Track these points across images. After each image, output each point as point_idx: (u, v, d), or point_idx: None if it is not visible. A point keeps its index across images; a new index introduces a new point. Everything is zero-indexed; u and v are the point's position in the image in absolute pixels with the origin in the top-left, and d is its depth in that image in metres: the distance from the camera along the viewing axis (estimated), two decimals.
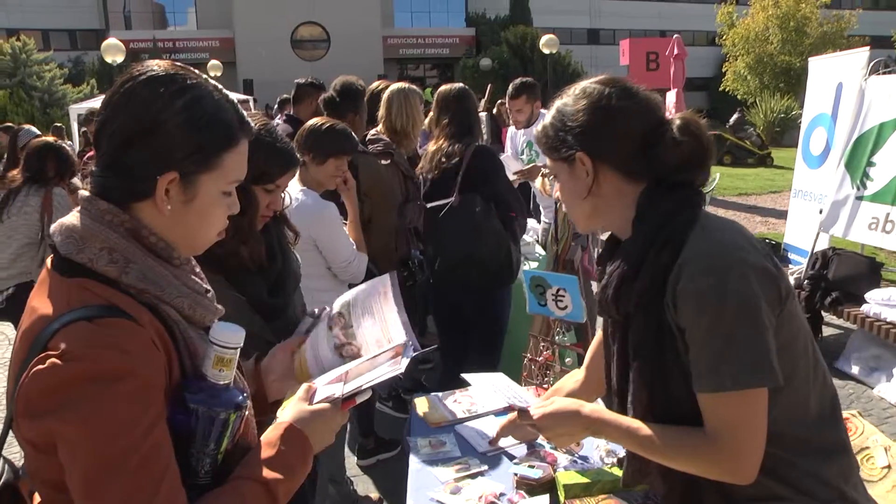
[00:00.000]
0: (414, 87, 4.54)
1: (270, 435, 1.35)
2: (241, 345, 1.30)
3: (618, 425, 1.56)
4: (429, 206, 3.94)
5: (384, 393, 4.93)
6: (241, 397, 1.29)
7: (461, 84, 4.22)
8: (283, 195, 2.38)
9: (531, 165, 5.41)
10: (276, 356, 1.74)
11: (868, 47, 6.92)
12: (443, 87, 4.13)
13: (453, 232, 3.83)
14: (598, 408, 1.62)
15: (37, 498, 1.30)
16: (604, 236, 1.80)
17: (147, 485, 1.11)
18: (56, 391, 1.09)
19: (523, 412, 1.74)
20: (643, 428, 1.52)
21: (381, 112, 4.31)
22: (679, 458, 1.49)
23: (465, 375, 1.71)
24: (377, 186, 4.03)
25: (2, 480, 1.35)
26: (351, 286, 3.30)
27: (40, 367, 1.10)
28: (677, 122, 1.56)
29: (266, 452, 1.31)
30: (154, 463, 1.13)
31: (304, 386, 1.48)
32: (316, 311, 1.91)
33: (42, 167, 4.86)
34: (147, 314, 1.22)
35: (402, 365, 1.47)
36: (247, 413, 1.34)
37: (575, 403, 1.66)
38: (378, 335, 1.73)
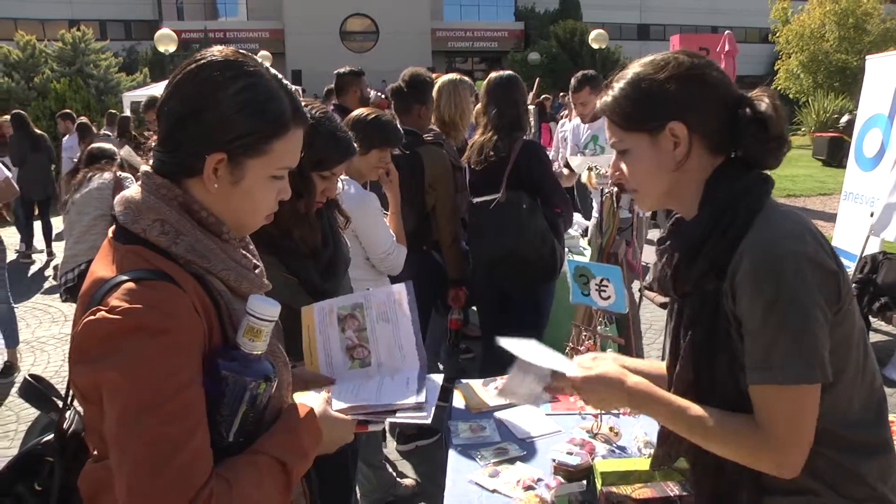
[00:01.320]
0: (465, 77, 4.57)
1: (293, 416, 1.43)
2: (275, 318, 1.35)
3: (665, 402, 1.53)
4: (475, 201, 3.95)
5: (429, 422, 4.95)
6: (271, 369, 1.36)
7: (510, 71, 4.18)
8: (337, 182, 2.44)
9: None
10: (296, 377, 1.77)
11: None
12: (492, 75, 4.11)
13: (498, 227, 3.84)
14: (643, 381, 1.58)
15: (95, 451, 1.39)
16: (651, 234, 1.78)
17: (172, 439, 1.17)
18: (102, 341, 1.19)
19: (558, 374, 1.67)
20: (692, 407, 1.49)
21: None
22: (724, 444, 1.47)
23: (501, 340, 1.72)
24: (442, 177, 4.08)
25: (72, 429, 1.51)
26: (389, 278, 3.37)
27: (91, 318, 1.20)
28: (764, 97, 1.53)
29: (290, 433, 1.39)
30: (185, 419, 1.20)
31: (325, 393, 1.58)
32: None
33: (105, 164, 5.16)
34: (192, 282, 1.30)
35: (428, 413, 1.53)
36: (276, 385, 1.39)
37: (620, 372, 1.61)
38: (390, 342, 1.78)
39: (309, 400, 1.50)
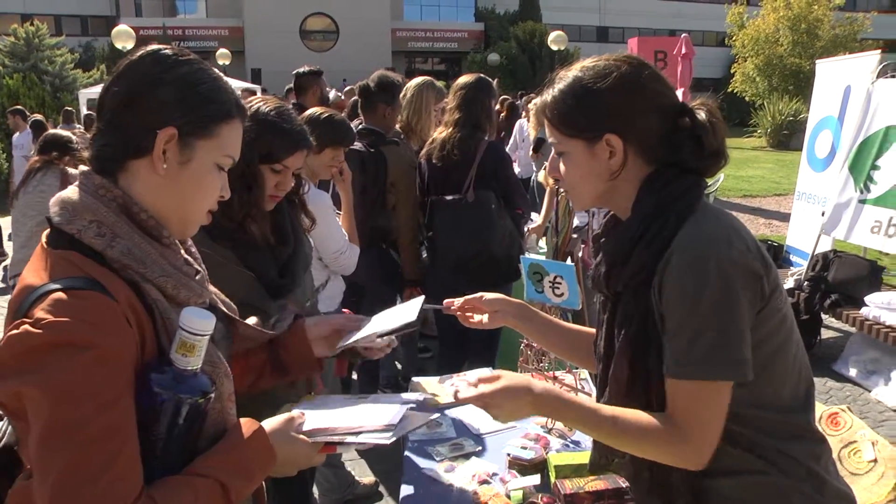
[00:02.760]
0: (435, 82, 4.56)
1: (242, 433, 1.36)
2: (210, 332, 1.28)
3: (573, 406, 1.53)
4: (447, 198, 3.94)
5: (384, 380, 4.99)
6: (208, 383, 1.30)
7: (481, 75, 4.20)
8: (297, 178, 2.43)
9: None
10: (318, 324, 1.81)
11: (880, 51, 6.92)
12: (462, 77, 4.14)
13: (469, 227, 3.85)
14: (550, 387, 1.57)
15: (28, 466, 1.32)
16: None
17: (96, 459, 1.12)
18: (24, 355, 1.13)
19: (462, 392, 1.57)
20: (601, 409, 1.52)
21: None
22: (633, 442, 1.50)
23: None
24: (405, 177, 4.09)
25: (3, 442, 1.38)
26: (344, 277, 3.36)
27: (14, 332, 1.15)
28: (703, 107, 1.55)
29: (232, 452, 1.32)
30: (108, 440, 1.14)
31: (298, 411, 1.49)
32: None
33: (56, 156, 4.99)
34: (125, 290, 1.24)
35: (391, 434, 1.45)
36: (219, 400, 1.35)
37: (525, 380, 1.57)
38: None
39: (270, 422, 1.42)
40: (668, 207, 1.50)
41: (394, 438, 1.44)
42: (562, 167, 1.64)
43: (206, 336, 1.28)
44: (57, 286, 1.18)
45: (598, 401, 1.71)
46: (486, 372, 2.98)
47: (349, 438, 1.45)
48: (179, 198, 1.35)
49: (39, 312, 1.15)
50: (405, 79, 4.73)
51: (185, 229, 1.42)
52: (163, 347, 1.28)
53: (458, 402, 1.60)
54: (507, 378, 1.55)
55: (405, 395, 1.69)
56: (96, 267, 1.23)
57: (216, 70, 1.41)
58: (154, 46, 1.36)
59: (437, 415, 1.65)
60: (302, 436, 1.43)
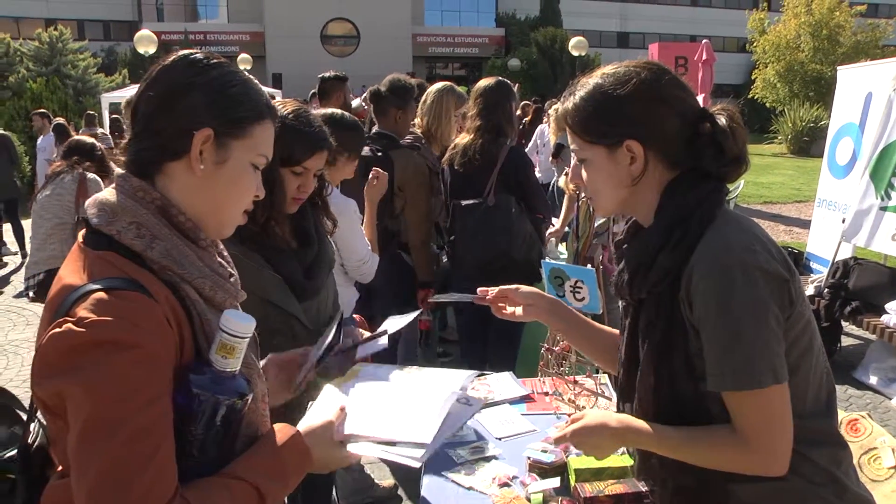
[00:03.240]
0: (454, 87, 4.57)
1: (278, 437, 1.38)
2: (250, 334, 1.30)
3: (648, 433, 1.55)
4: (463, 203, 3.97)
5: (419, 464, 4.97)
6: (246, 386, 1.31)
7: (501, 78, 4.21)
8: (319, 180, 2.45)
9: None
10: (268, 368, 1.74)
11: None
12: (481, 81, 4.15)
13: (490, 230, 3.87)
14: (624, 417, 1.62)
15: (60, 467, 1.34)
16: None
17: (135, 458, 1.13)
18: (67, 353, 1.15)
19: (553, 435, 1.73)
20: (675, 432, 1.53)
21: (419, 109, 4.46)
22: (710, 458, 1.51)
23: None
24: (413, 181, 4.12)
25: (37, 443, 1.43)
26: (357, 285, 3.38)
27: (57, 330, 1.16)
28: (724, 112, 1.56)
29: (267, 456, 1.34)
30: (147, 439, 1.15)
31: (339, 410, 1.50)
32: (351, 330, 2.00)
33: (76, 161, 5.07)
34: (165, 291, 1.26)
35: (422, 456, 1.44)
36: (254, 402, 1.36)
37: (601, 416, 1.65)
38: (439, 384, 1.71)
39: (308, 420, 1.45)
40: (690, 213, 1.51)
41: (424, 460, 1.44)
42: (584, 174, 1.65)
43: (247, 339, 1.30)
44: (98, 286, 1.19)
45: (620, 408, 1.73)
46: (507, 377, 3.01)
47: (381, 451, 1.45)
48: (216, 198, 1.37)
49: (82, 311, 1.16)
50: (427, 83, 4.75)
51: (222, 229, 1.44)
52: (200, 349, 1.29)
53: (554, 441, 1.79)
54: (588, 417, 1.66)
55: (459, 379, 1.68)
56: (136, 268, 1.25)
57: (246, 73, 1.44)
58: (185, 52, 1.39)
59: (477, 411, 1.67)
60: (339, 441, 1.45)
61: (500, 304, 2.03)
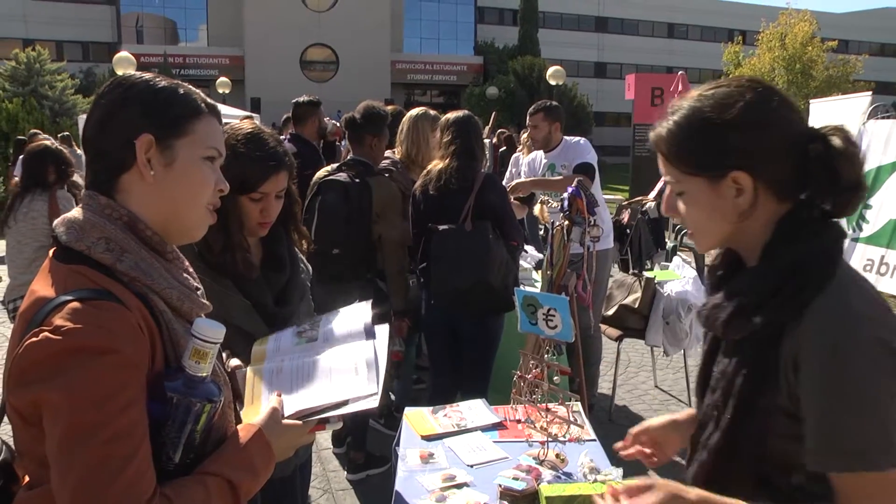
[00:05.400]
0: (428, 111, 4.61)
1: (241, 435, 1.44)
2: (220, 340, 1.37)
3: None
4: (440, 228, 3.98)
5: (377, 410, 4.97)
6: (216, 391, 1.37)
7: (466, 111, 4.28)
8: (290, 200, 2.39)
9: (516, 182, 5.50)
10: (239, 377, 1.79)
11: (870, 92, 7.04)
12: (449, 114, 4.20)
13: (467, 256, 3.87)
14: (702, 492, 1.41)
15: (27, 479, 1.36)
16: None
17: (115, 459, 1.18)
18: (45, 361, 1.19)
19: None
20: None
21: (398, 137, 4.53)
22: None
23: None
24: (391, 207, 4.12)
25: (1, 457, 1.44)
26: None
27: (33, 339, 1.20)
28: (837, 133, 1.38)
29: (234, 452, 1.40)
30: (126, 440, 1.20)
31: (277, 396, 1.57)
32: None
33: (43, 171, 4.94)
34: (136, 301, 1.30)
35: (376, 396, 1.55)
36: (221, 407, 1.40)
37: (674, 489, 1.41)
38: (339, 322, 1.83)
39: (259, 417, 1.50)
40: (810, 265, 1.35)
41: (378, 398, 1.53)
42: (681, 206, 1.49)
43: (217, 344, 1.37)
44: (73, 296, 1.23)
45: (689, 459, 1.59)
46: (479, 404, 3.00)
47: (337, 412, 1.54)
48: (174, 199, 1.41)
49: (58, 320, 1.20)
50: (406, 110, 4.79)
51: (191, 231, 1.48)
52: (168, 357, 1.34)
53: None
54: (658, 488, 1.42)
55: (353, 343, 1.74)
56: (107, 280, 1.30)
57: (175, 80, 1.49)
58: (116, 76, 1.46)
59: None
60: (291, 420, 1.52)
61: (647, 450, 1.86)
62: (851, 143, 1.38)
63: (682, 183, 1.46)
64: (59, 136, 14.34)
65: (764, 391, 1.38)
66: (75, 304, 1.22)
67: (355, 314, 1.85)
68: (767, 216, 1.41)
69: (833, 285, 1.33)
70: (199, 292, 1.49)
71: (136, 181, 1.38)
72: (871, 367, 1.27)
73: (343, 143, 4.87)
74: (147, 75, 1.44)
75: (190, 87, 1.49)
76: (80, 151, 12.87)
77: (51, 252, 1.37)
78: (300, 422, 1.52)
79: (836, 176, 1.35)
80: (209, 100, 1.50)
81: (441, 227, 3.94)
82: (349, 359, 1.67)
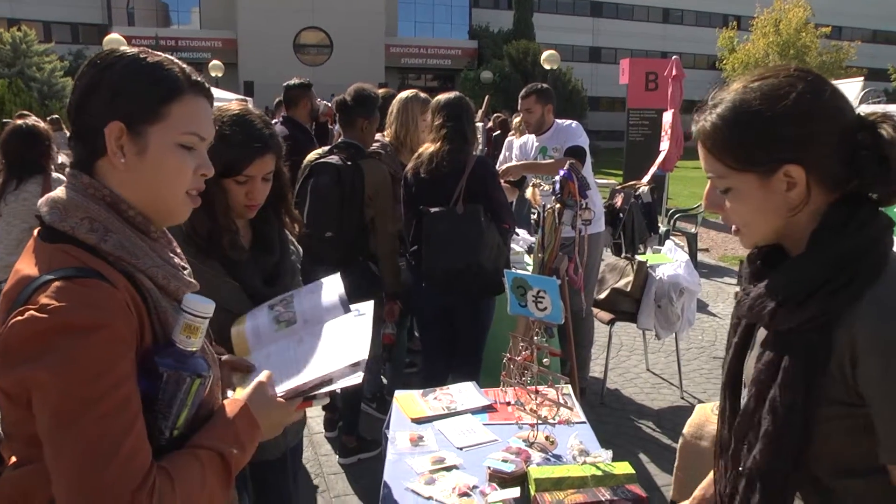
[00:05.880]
0: (419, 94, 4.62)
1: (228, 409, 1.45)
2: (210, 315, 1.38)
3: None
4: (432, 210, 3.96)
5: (369, 394, 4.98)
6: (206, 366, 1.38)
7: (457, 93, 4.26)
8: (280, 181, 2.36)
9: (507, 166, 5.48)
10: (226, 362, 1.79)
11: (863, 78, 7.04)
12: (440, 96, 4.18)
13: (459, 239, 3.86)
14: None
15: (13, 460, 1.35)
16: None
17: (111, 435, 1.18)
18: (33, 340, 1.17)
19: None
20: None
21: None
22: None
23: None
24: (382, 190, 4.10)
25: None
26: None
27: (19, 318, 1.18)
28: (887, 121, 1.34)
29: (223, 426, 1.41)
30: (121, 415, 1.20)
31: (266, 372, 1.57)
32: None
33: (23, 153, 4.86)
34: (123, 280, 1.30)
35: (361, 371, 1.58)
36: (210, 384, 1.41)
37: None
38: (314, 300, 1.86)
39: (245, 392, 1.51)
40: (862, 254, 1.31)
41: (362, 373, 1.57)
42: (727, 203, 1.44)
43: (207, 319, 1.38)
44: (58, 275, 1.22)
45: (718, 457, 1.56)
46: (470, 387, 3.00)
47: (323, 389, 1.58)
48: (150, 186, 1.39)
49: (44, 299, 1.19)
50: (395, 92, 4.77)
51: (173, 215, 1.46)
52: (156, 335, 1.34)
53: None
54: None
55: (333, 321, 1.76)
56: (93, 258, 1.29)
57: (161, 54, 1.44)
58: (96, 54, 1.43)
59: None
60: (278, 398, 1.53)
61: None
62: None
63: (729, 179, 1.40)
64: (48, 119, 14.25)
65: (817, 383, 1.32)
66: (61, 282, 1.21)
67: (328, 288, 1.86)
68: (816, 207, 1.37)
69: (887, 274, 1.30)
70: (185, 271, 1.49)
71: (111, 167, 1.36)
72: None
73: (335, 126, 4.84)
74: (128, 52, 1.40)
75: (175, 62, 1.43)
76: (69, 134, 12.79)
77: (35, 232, 1.35)
78: (284, 400, 1.53)
79: (887, 164, 1.31)
80: (196, 76, 1.44)
81: (433, 210, 3.93)
82: (331, 336, 1.68)
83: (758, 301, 1.41)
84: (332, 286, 1.85)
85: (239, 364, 1.77)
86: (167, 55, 1.45)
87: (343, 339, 1.66)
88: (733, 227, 1.48)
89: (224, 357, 1.76)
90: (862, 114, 1.39)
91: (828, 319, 1.30)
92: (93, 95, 1.35)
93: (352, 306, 1.83)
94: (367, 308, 1.82)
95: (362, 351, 1.62)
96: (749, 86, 1.38)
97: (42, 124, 5.19)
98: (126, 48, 1.41)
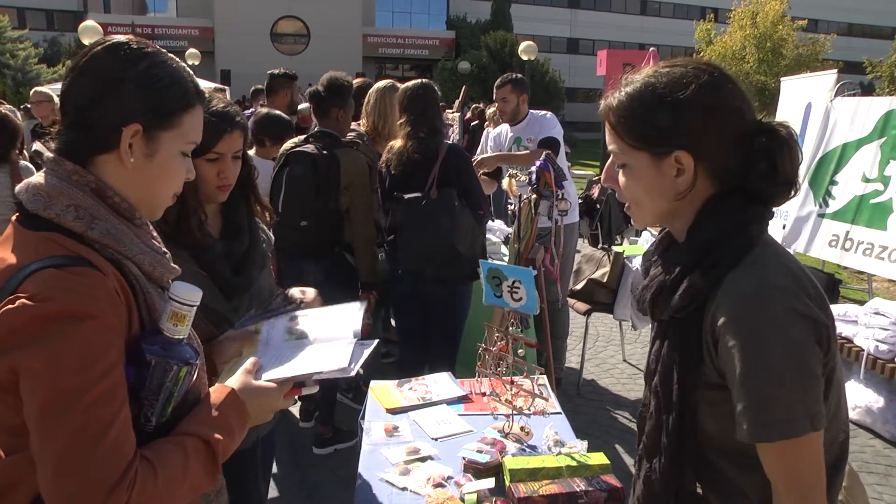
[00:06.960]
0: (396, 84, 4.57)
1: (214, 396, 1.44)
2: (197, 303, 1.39)
3: None
4: (406, 197, 3.95)
5: (345, 384, 4.97)
6: (192, 354, 1.39)
7: (423, 80, 4.23)
8: (246, 166, 2.33)
9: (482, 157, 5.48)
10: (224, 343, 1.82)
11: (836, 70, 7.10)
12: (406, 84, 4.16)
13: (433, 222, 3.85)
14: None
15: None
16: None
17: (98, 423, 1.18)
18: (24, 328, 1.17)
19: None
20: None
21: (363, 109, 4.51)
22: None
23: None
24: (358, 179, 4.08)
25: None
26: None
27: (9, 307, 1.18)
28: (783, 128, 1.40)
29: (209, 412, 1.40)
30: (108, 403, 1.20)
31: (252, 359, 1.58)
32: (288, 294, 2.00)
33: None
34: (110, 267, 1.30)
35: (352, 369, 1.58)
36: (197, 371, 1.42)
37: None
38: (329, 320, 1.82)
39: (232, 379, 1.51)
40: (728, 238, 1.38)
41: (353, 372, 1.57)
42: (622, 179, 1.50)
43: (195, 307, 1.39)
44: (47, 263, 1.22)
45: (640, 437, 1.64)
46: (445, 377, 2.99)
47: (312, 378, 1.59)
48: (148, 186, 1.42)
49: (33, 287, 1.19)
50: (371, 81, 4.73)
51: (153, 212, 1.48)
52: (143, 321, 1.35)
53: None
54: None
55: (339, 340, 1.73)
56: (80, 246, 1.29)
57: (176, 59, 1.45)
58: (114, 40, 1.40)
59: (375, 343, 1.73)
60: (266, 382, 1.53)
61: None
62: (794, 140, 1.41)
63: (626, 155, 1.47)
64: (21, 106, 14.04)
65: (692, 367, 1.41)
66: (50, 271, 1.21)
67: (347, 315, 1.82)
68: (701, 196, 1.43)
69: (749, 259, 1.36)
70: (167, 256, 1.49)
71: (114, 163, 1.36)
72: (784, 337, 1.29)
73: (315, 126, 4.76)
74: (151, 51, 1.40)
75: (187, 69, 1.46)
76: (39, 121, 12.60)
77: (13, 219, 1.33)
78: (273, 385, 1.53)
79: (776, 170, 1.38)
80: (200, 88, 1.48)
81: (407, 196, 3.91)
82: (330, 348, 1.69)
83: (642, 293, 1.52)
84: (352, 315, 1.81)
85: (242, 334, 1.81)
86: (176, 59, 1.45)
87: (340, 352, 1.66)
88: (626, 205, 1.55)
89: (227, 333, 1.81)
90: (762, 120, 1.45)
91: (697, 306, 1.38)
92: (115, 91, 1.34)
93: (356, 331, 1.79)
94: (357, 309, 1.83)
95: (355, 365, 1.61)
96: (659, 71, 1.43)
97: (12, 115, 5.07)
98: (139, 42, 1.39)
